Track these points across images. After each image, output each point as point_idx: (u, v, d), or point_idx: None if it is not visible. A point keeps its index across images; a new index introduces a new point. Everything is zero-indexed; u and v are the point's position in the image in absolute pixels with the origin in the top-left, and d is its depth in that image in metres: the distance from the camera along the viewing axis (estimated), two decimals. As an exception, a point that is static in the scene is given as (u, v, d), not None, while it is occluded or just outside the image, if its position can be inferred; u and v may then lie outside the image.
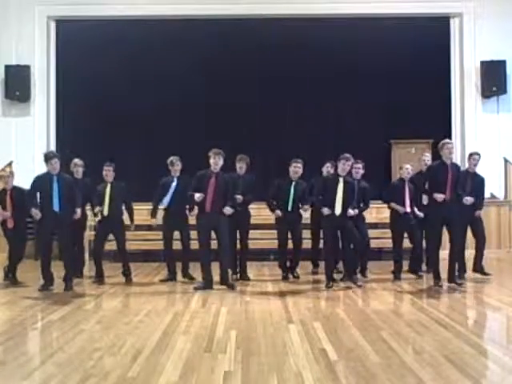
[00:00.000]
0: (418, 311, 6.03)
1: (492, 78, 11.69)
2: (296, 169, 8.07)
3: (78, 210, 7.52)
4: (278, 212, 8.01)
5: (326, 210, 7.29)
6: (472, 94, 12.01)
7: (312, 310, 6.09)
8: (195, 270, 7.94)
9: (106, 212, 7.90)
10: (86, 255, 9.42)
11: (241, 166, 8.11)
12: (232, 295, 6.93)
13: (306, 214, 8.51)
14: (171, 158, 8.13)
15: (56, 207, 7.25)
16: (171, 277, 8.06)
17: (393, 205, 8.15)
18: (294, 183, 8.04)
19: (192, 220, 7.94)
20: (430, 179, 7.42)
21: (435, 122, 11.92)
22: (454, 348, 4.49)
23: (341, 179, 7.36)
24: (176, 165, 8.06)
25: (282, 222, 8.09)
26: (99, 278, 7.93)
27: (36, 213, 7.24)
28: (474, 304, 6.61)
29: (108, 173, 8.01)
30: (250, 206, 8.31)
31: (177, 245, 8.21)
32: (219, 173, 7.37)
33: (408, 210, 8.03)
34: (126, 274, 8.07)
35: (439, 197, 7.18)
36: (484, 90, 11.83)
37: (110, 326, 5.35)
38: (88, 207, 8.44)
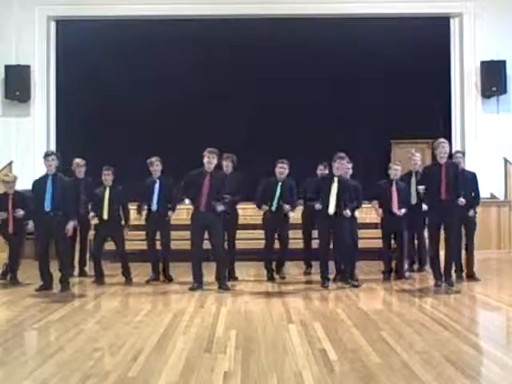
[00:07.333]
0: (418, 311, 6.03)
1: (492, 77, 11.69)
2: (281, 169, 7.99)
3: (71, 224, 7.25)
4: (265, 207, 7.94)
5: (317, 206, 7.36)
6: (472, 93, 12.01)
7: (312, 310, 6.09)
8: (175, 270, 8.18)
9: (105, 216, 7.90)
10: (87, 256, 9.41)
11: (227, 165, 7.98)
12: (232, 295, 6.93)
13: (296, 215, 8.45)
14: (151, 158, 8.03)
15: (47, 207, 7.17)
16: (155, 277, 8.03)
17: (374, 204, 8.14)
18: (280, 183, 7.98)
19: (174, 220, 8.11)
20: (426, 180, 7.40)
21: (435, 122, 11.91)
22: (454, 348, 4.49)
23: (335, 178, 7.40)
24: (155, 165, 7.96)
25: (269, 222, 8.05)
26: (99, 278, 7.93)
27: (30, 227, 7.12)
28: (474, 304, 6.60)
29: (107, 177, 7.98)
30: (237, 206, 8.24)
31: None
32: (213, 172, 7.33)
33: (395, 210, 7.88)
34: (126, 275, 8.07)
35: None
36: (484, 90, 11.83)
37: (109, 326, 5.35)
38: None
